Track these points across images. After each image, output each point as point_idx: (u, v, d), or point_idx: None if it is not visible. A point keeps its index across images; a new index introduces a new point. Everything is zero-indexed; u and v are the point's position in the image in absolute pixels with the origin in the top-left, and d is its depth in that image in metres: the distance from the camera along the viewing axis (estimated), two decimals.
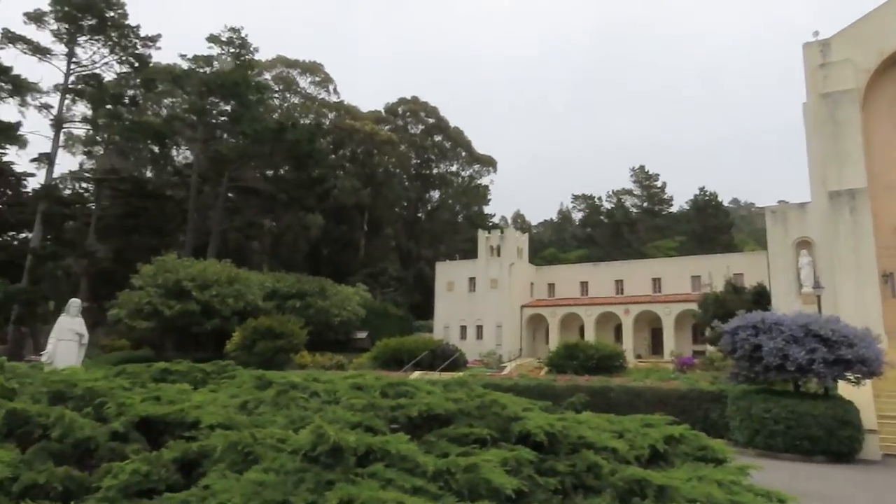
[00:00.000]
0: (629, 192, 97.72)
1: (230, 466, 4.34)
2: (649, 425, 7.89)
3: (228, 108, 49.28)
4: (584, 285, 56.38)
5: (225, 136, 52.95)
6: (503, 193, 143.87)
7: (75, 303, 11.32)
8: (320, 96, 79.69)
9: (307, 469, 4.17)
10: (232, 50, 50.61)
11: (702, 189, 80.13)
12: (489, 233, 57.72)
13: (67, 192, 49.93)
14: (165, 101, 55.81)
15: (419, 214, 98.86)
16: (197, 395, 6.17)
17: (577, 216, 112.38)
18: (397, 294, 73.28)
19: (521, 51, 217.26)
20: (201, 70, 49.80)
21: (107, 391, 5.78)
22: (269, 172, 51.25)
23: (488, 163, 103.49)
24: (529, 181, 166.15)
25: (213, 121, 50.65)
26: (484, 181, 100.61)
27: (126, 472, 4.34)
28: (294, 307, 36.77)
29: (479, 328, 55.90)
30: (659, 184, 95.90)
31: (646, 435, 6.89)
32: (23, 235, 56.36)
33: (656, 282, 52.83)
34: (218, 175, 50.35)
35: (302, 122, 62.21)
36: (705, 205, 78.39)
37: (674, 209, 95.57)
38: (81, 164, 62.27)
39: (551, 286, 58.38)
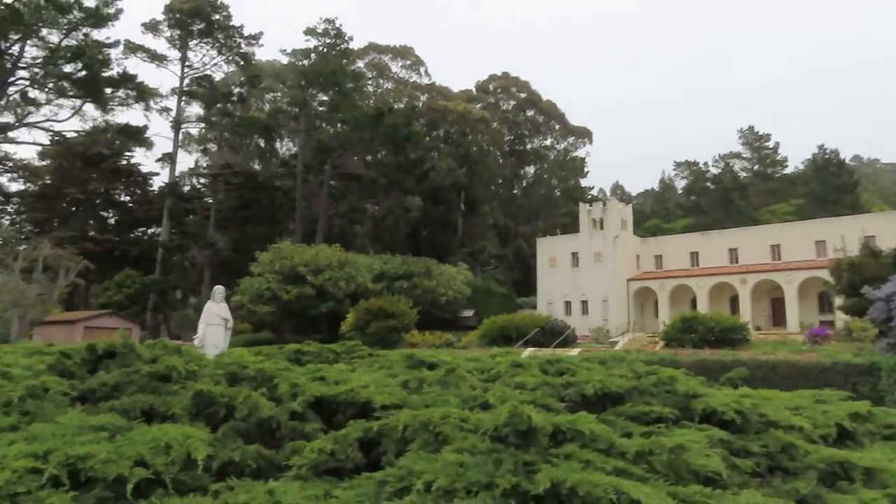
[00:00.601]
0: (737, 156, 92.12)
1: (421, 447, 4.39)
2: (821, 401, 7.33)
3: (327, 97, 50.68)
4: (693, 256, 53.83)
5: (325, 125, 54.60)
6: (600, 165, 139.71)
7: (220, 289, 12.05)
8: (412, 79, 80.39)
9: (499, 450, 4.14)
10: (328, 41, 51.92)
11: (821, 147, 74.03)
12: (591, 205, 56.24)
13: (187, 188, 53.51)
14: (268, 95, 58.33)
15: (514, 191, 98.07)
16: (360, 376, 6.35)
17: (681, 184, 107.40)
18: (497, 272, 73.21)
19: (611, 3, 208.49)
20: (300, 63, 51.46)
21: (275, 372, 6.06)
22: (369, 158, 52.40)
23: (583, 134, 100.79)
24: (627, 151, 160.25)
25: (314, 111, 52.36)
26: (579, 153, 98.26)
27: (314, 450, 4.50)
28: (402, 288, 37.63)
29: (584, 303, 54.80)
30: (771, 144, 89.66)
31: (825, 413, 6.40)
32: (150, 231, 61.28)
33: (775, 249, 49.53)
34: (321, 164, 52.13)
35: (396, 106, 63.24)
36: (825, 164, 72.38)
37: (788, 170, 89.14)
38: (197, 162, 66.74)
39: (658, 258, 56.17)
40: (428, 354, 9.39)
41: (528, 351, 28.09)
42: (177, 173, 48.56)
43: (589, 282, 54.58)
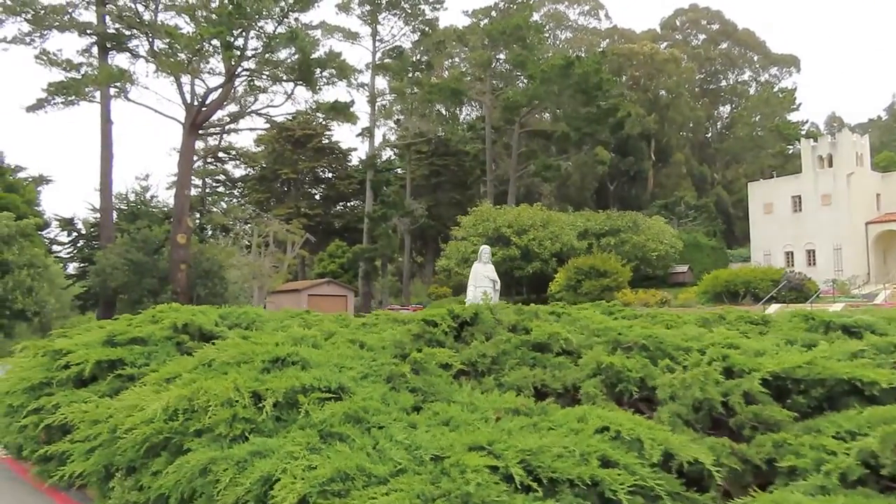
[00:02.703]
0: None
1: None
2: None
3: (512, 55, 49.40)
4: None
5: (511, 83, 53.52)
6: (811, 96, 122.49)
7: (486, 250, 11.57)
8: (591, 26, 76.10)
9: None
10: None
11: None
12: (816, 140, 49.17)
13: (381, 160, 55.90)
14: (452, 60, 58.51)
15: (708, 135, 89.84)
16: (758, 344, 5.15)
17: None
18: (696, 224, 67.76)
19: None
20: (482, 22, 50.64)
21: (664, 339, 5.05)
22: (558, 112, 50.48)
23: (789, 63, 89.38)
24: (843, 76, 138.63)
25: (499, 71, 51.45)
26: (784, 84, 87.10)
27: (848, 454, 3.32)
28: (608, 245, 35.78)
29: (811, 253, 48.47)
30: None
31: None
32: (351, 204, 65.28)
33: None
34: (509, 123, 51.29)
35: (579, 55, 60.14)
36: None
37: None
38: (384, 136, 69.57)
39: None
40: (747, 314, 7.95)
41: (775, 307, 24.99)
42: (374, 146, 50.67)
43: (816, 228, 48.05)
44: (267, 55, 31.90)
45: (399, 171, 60.51)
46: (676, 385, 4.06)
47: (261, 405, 3.85)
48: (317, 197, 61.18)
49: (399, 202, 48.97)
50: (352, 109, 35.64)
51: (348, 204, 64.39)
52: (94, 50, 34.29)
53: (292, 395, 3.96)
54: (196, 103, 33.25)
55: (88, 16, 34.08)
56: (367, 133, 47.38)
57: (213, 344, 6.26)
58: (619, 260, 33.18)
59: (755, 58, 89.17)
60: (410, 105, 50.81)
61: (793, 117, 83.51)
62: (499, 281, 11.42)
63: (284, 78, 34.48)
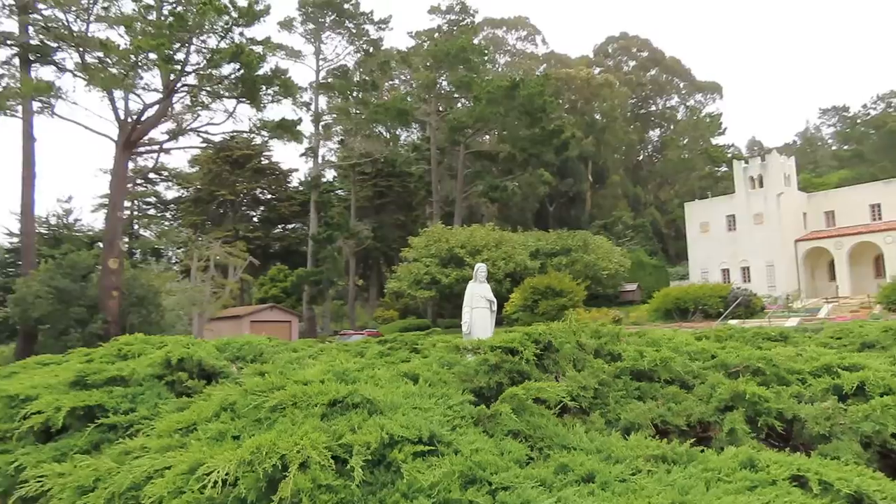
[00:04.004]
0: None
1: None
2: None
3: (456, 76, 49.47)
4: (874, 208, 47.82)
5: (456, 104, 53.57)
6: (732, 121, 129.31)
7: (482, 268, 10.82)
8: (529, 50, 77.68)
9: None
10: (452, 17, 50.56)
11: None
12: (747, 162, 51.39)
13: (325, 180, 54.58)
14: (395, 81, 58.08)
15: (640, 158, 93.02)
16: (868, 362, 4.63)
17: (828, 133, 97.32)
18: (634, 243, 69.54)
19: None
20: (426, 43, 50.58)
21: (780, 363, 4.44)
22: (504, 133, 50.80)
23: (713, 89, 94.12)
24: (761, 103, 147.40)
25: (444, 92, 51.38)
26: (708, 110, 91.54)
27: None
28: (560, 264, 35.77)
29: (745, 270, 50.33)
30: None
31: None
32: (291, 226, 63.32)
33: None
34: (454, 144, 51.16)
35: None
36: None
37: None
38: (323, 156, 68.07)
39: (829, 214, 50.50)
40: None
41: (731, 324, 25.35)
42: (318, 166, 49.31)
43: (750, 246, 50.01)
44: (209, 71, 30.35)
45: (341, 192, 59.27)
46: (837, 417, 3.42)
47: (345, 466, 2.96)
48: (256, 219, 58.98)
49: (344, 224, 47.73)
50: (298, 128, 34.36)
51: (289, 226, 62.46)
52: (16, 61, 31.79)
53: (379, 450, 3.08)
54: (131, 120, 31.24)
55: (10, 25, 31.64)
56: (311, 153, 46.09)
57: (220, 382, 5.25)
58: (572, 279, 33.17)
59: (682, 84, 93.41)
60: (355, 125, 49.90)
61: (719, 141, 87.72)
62: (495, 301, 10.73)
63: (227, 95, 32.95)
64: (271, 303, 46.18)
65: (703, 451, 3.29)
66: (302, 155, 45.33)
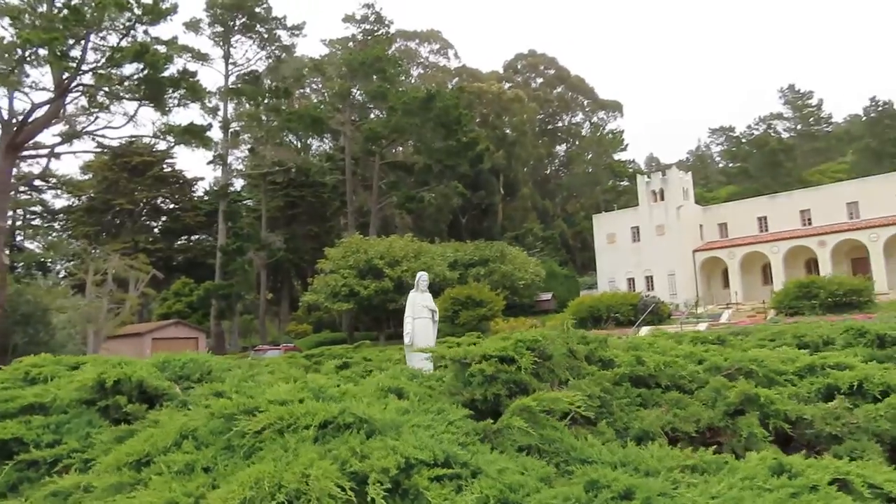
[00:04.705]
0: (779, 117, 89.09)
1: None
2: None
3: (371, 86, 49.05)
4: (761, 221, 51.63)
5: (371, 114, 53.12)
6: (632, 138, 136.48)
7: (423, 276, 10.50)
8: (441, 63, 78.49)
9: None
10: (366, 27, 50.16)
11: (872, 99, 71.06)
12: (649, 177, 54.16)
13: (233, 189, 52.38)
14: (308, 89, 56.79)
15: (548, 172, 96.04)
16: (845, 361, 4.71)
17: (717, 151, 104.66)
18: (543, 254, 71.53)
19: None
20: (340, 52, 49.88)
21: (767, 364, 4.42)
22: (419, 145, 50.82)
23: (614, 108, 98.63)
24: (657, 122, 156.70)
25: (359, 102, 50.79)
26: (610, 127, 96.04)
27: None
28: (478, 274, 36.03)
29: (649, 279, 52.85)
30: (814, 102, 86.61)
31: None
32: (196, 237, 60.20)
33: (852, 207, 47.18)
34: (369, 155, 50.61)
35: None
36: (880, 116, 69.45)
37: (833, 127, 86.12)
38: (229, 166, 65.22)
39: (723, 226, 54.03)
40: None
41: (646, 330, 26.39)
42: (227, 174, 47.17)
43: (652, 256, 52.62)
44: (109, 70, 28.29)
45: (250, 202, 57.10)
46: (846, 417, 3.39)
47: (358, 497, 2.56)
48: (157, 230, 55.58)
49: (255, 235, 45.87)
50: (207, 134, 32.73)
51: (193, 237, 59.35)
52: None
53: (395, 476, 2.71)
54: (16, 121, 28.55)
55: None
56: (220, 160, 44.03)
57: (165, 406, 4.65)
58: (491, 289, 33.47)
59: (586, 102, 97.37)
60: (266, 133, 48.20)
61: (621, 156, 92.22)
62: (437, 311, 10.45)
63: (128, 97, 30.89)
64: (176, 318, 43.58)
65: (726, 460, 3.16)
66: (209, 163, 43.21)
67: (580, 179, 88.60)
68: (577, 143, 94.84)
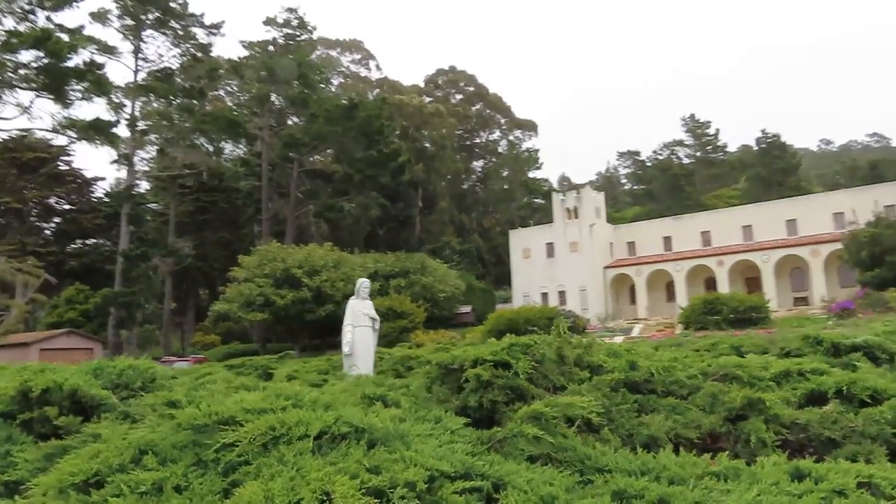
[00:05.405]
0: (680, 143, 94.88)
1: None
2: None
3: (291, 92, 47.84)
4: (667, 240, 54.51)
5: (285, 122, 51.77)
6: (546, 157, 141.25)
7: (365, 283, 10.10)
8: (363, 74, 77.95)
9: None
10: (288, 31, 48.97)
11: (763, 131, 77.14)
12: (564, 195, 55.90)
13: (142, 191, 49.38)
14: (224, 90, 54.63)
15: (464, 186, 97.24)
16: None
17: (624, 174, 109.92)
18: (460, 268, 72.10)
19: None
20: (259, 55, 48.41)
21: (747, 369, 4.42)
22: (339, 154, 49.99)
23: (530, 127, 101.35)
24: (569, 143, 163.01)
25: (278, 107, 49.38)
26: (525, 146, 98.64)
27: None
28: (399, 286, 35.67)
29: (562, 293, 54.46)
30: (711, 131, 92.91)
31: None
32: (93, 241, 56.14)
33: (747, 230, 50.76)
34: (287, 161, 49.26)
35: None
36: (769, 147, 75.42)
37: (731, 155, 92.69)
38: (133, 167, 61.37)
39: (631, 244, 56.62)
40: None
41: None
42: (132, 175, 44.27)
43: (566, 272, 54.26)
44: (4, 56, 25.91)
45: (155, 205, 54.02)
46: (842, 421, 3.42)
47: None
48: (49, 232, 51.37)
49: (161, 240, 43.32)
50: (114, 130, 30.67)
51: (89, 241, 55.30)
52: None
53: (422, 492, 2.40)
54: None
55: None
56: (125, 160, 41.27)
57: (104, 418, 4.09)
58: (412, 301, 33.21)
59: (503, 120, 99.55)
60: (177, 133, 45.78)
61: (536, 174, 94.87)
62: (378, 319, 10.07)
63: (24, 86, 28.41)
64: (68, 327, 40.29)
65: (740, 467, 3.08)
66: (113, 162, 40.37)
67: (496, 195, 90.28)
68: (494, 159, 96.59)
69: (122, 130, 40.42)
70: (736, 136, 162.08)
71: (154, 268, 43.43)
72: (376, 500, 2.24)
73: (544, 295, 54.99)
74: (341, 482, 2.28)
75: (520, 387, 3.61)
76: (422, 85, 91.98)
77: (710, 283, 49.51)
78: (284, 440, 2.84)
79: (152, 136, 51.41)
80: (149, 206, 52.25)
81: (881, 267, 25.98)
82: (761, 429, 3.32)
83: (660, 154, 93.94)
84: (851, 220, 31.10)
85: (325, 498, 2.19)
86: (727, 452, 3.22)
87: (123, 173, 45.62)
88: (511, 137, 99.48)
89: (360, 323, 9.62)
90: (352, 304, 9.81)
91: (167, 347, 46.74)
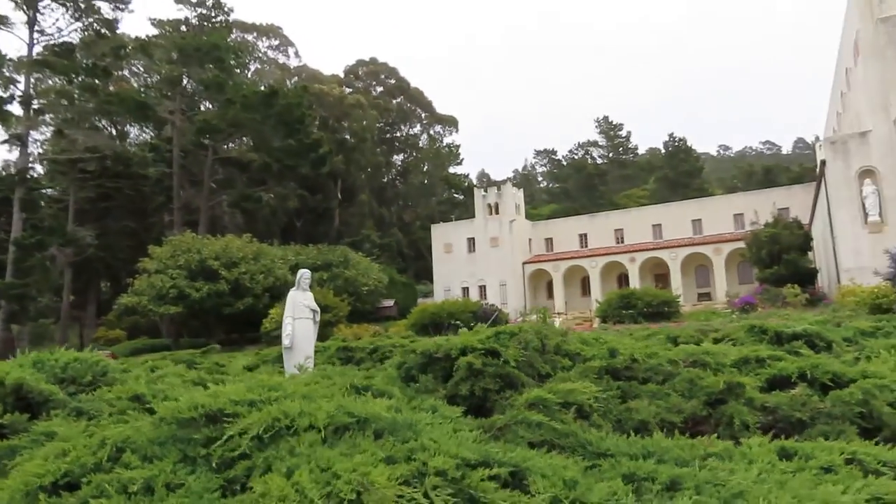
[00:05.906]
0: (595, 144, 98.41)
1: None
2: None
3: (206, 75, 45.69)
4: (582, 237, 56.53)
5: (197, 107, 49.46)
6: (466, 153, 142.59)
7: (306, 274, 9.74)
8: (280, 61, 75.66)
9: None
10: (203, 11, 46.73)
11: (671, 135, 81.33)
12: (485, 191, 56.69)
13: (36, 175, 45.65)
14: (129, 71, 51.35)
15: (384, 179, 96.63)
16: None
17: (541, 171, 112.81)
18: (380, 261, 71.65)
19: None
20: (171, 35, 45.91)
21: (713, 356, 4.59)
22: (256, 142, 48.27)
23: (450, 122, 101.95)
24: (488, 139, 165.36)
25: (190, 91, 47.04)
26: (446, 141, 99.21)
27: None
28: (322, 279, 34.94)
29: (482, 288, 55.34)
30: (624, 133, 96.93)
31: None
32: None
33: (656, 228, 53.39)
34: (201, 148, 47.07)
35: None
36: (675, 150, 79.64)
37: (640, 157, 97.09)
38: (27, 150, 56.57)
39: (549, 241, 58.28)
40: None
41: None
42: (26, 157, 40.71)
43: (486, 266, 55.17)
44: None
45: (51, 191, 50.18)
46: (811, 403, 3.64)
47: None
48: None
49: (60, 228, 40.32)
50: (7, 108, 28.26)
51: None
52: None
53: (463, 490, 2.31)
54: None
55: None
56: (17, 141, 37.86)
57: (54, 415, 3.74)
58: (335, 295, 32.66)
59: (424, 115, 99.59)
60: (78, 114, 42.59)
61: (456, 170, 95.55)
62: (319, 311, 9.77)
63: None
64: None
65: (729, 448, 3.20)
66: (4, 142, 36.79)
67: (416, 189, 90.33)
68: (414, 153, 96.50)
69: (15, 108, 37.24)
70: (645, 137, 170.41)
71: (51, 258, 40.33)
72: (411, 489, 2.15)
73: (465, 289, 55.65)
74: (378, 472, 2.16)
75: (510, 374, 3.60)
76: (342, 75, 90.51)
77: (623, 279, 51.84)
78: (290, 432, 2.68)
79: (49, 116, 47.61)
80: (45, 191, 48.50)
81: (779, 264, 27.99)
82: (743, 412, 3.47)
83: (575, 153, 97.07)
84: (753, 220, 33.34)
85: (362, 489, 2.08)
86: (714, 435, 3.34)
87: (15, 154, 41.90)
88: (432, 132, 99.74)
89: (300, 315, 9.32)
90: (292, 295, 9.49)
91: (64, 343, 43.56)
